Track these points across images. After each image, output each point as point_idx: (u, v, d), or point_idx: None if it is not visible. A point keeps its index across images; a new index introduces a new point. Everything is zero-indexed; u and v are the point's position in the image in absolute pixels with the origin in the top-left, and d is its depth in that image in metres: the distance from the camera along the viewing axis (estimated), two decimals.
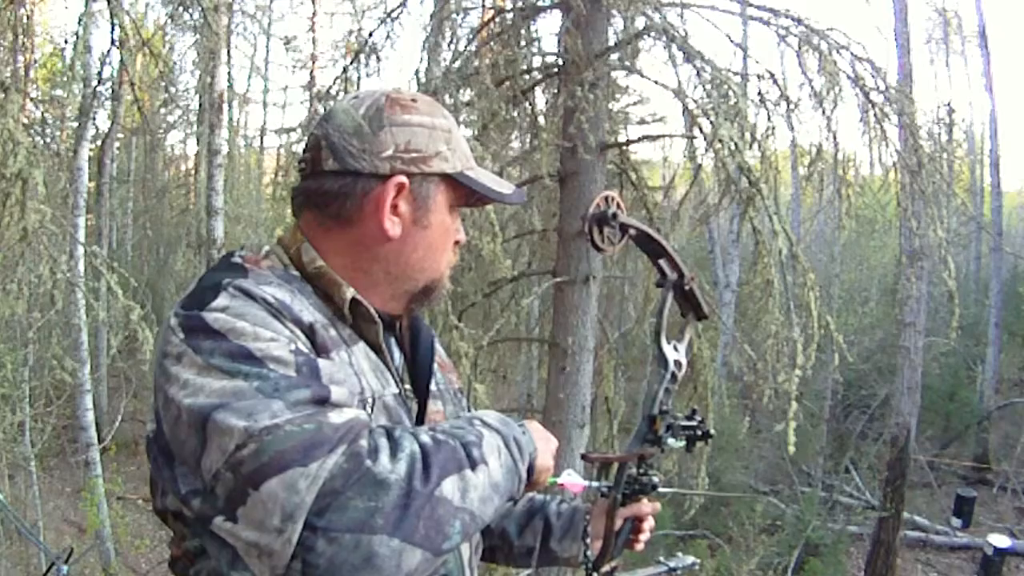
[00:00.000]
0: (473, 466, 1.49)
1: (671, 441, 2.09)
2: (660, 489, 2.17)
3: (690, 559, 2.37)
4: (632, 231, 2.07)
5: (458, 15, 8.00)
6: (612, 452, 2.18)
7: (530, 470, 1.69)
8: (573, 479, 2.10)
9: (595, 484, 2.12)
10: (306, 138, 1.86)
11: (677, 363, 2.11)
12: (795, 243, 7.18)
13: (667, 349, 2.11)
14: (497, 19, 8.43)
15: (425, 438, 1.49)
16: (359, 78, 8.19)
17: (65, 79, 16.82)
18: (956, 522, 17.75)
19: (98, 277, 8.65)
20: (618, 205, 2.00)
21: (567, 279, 7.21)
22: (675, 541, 15.68)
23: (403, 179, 1.71)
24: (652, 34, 6.95)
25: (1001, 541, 15.95)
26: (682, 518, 12.46)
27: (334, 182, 1.72)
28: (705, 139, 6.98)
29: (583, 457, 2.24)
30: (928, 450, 20.49)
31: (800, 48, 7.12)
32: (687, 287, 2.14)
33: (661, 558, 2.38)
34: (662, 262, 2.14)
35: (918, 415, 16.96)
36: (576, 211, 7.18)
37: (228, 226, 15.45)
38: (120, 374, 18.93)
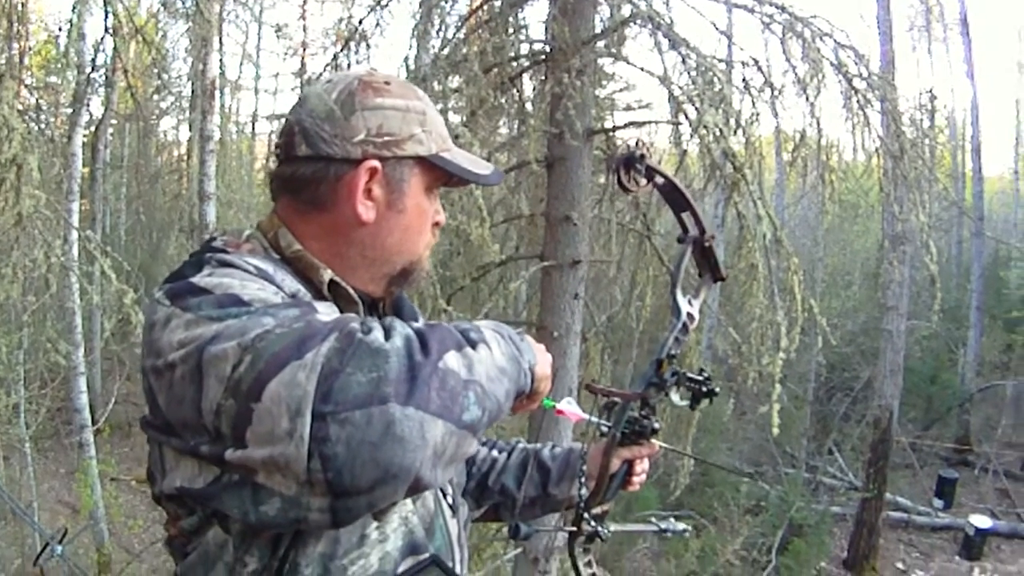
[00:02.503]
0: (473, 345, 1.46)
1: (675, 398, 2.08)
2: (657, 442, 2.17)
3: (681, 526, 2.36)
4: (658, 178, 2.06)
5: (447, 3, 7.96)
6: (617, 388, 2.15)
7: (531, 376, 1.66)
8: (572, 408, 2.11)
9: (594, 419, 2.12)
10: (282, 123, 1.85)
11: (689, 315, 2.11)
12: (779, 228, 7.18)
13: (681, 301, 2.10)
14: (485, 7, 8.42)
15: (418, 325, 1.46)
16: (349, 65, 8.14)
17: (59, 66, 16.87)
18: (938, 503, 17.92)
19: (92, 261, 8.68)
20: (647, 150, 2.00)
21: (554, 263, 7.21)
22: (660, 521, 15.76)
23: (376, 163, 1.70)
24: (638, 21, 6.94)
25: (982, 521, 16.11)
26: (668, 499, 12.50)
27: (307, 168, 1.71)
28: (690, 125, 6.98)
29: (587, 387, 2.21)
30: (910, 432, 20.58)
31: (784, 35, 7.11)
32: (707, 244, 2.13)
33: (653, 519, 2.38)
34: (684, 216, 2.13)
35: (900, 397, 17.09)
36: (564, 196, 7.20)
37: (220, 211, 15.46)
38: (114, 357, 18.96)
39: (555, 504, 2.37)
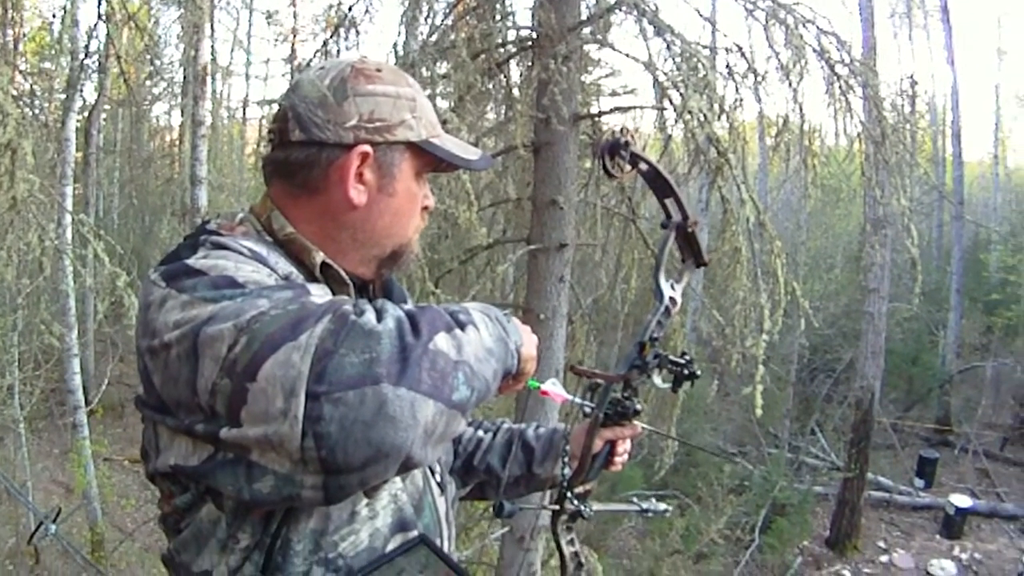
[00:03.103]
0: (462, 327, 1.46)
1: (657, 381, 2.09)
2: (639, 424, 2.19)
3: (663, 506, 2.37)
4: (643, 165, 2.06)
5: None
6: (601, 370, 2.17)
7: (518, 357, 1.67)
8: (556, 389, 2.13)
9: (578, 400, 2.14)
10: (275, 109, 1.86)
11: (672, 299, 2.11)
12: (762, 211, 7.19)
13: (664, 285, 2.11)
14: None
15: (408, 307, 1.46)
16: (339, 51, 8.12)
17: (53, 52, 16.78)
18: (919, 482, 18.02)
19: (85, 244, 8.66)
20: (632, 137, 2.01)
21: (541, 246, 7.21)
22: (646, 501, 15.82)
23: (367, 148, 1.72)
24: (623, 8, 6.94)
25: (962, 501, 16.22)
26: (652, 479, 12.54)
27: (300, 152, 1.73)
28: (675, 110, 6.98)
29: (571, 369, 2.24)
30: (891, 413, 20.70)
31: (767, 22, 7.10)
32: (690, 230, 2.13)
33: (634, 498, 2.40)
34: (668, 202, 2.13)
35: (882, 379, 17.16)
36: (550, 180, 7.19)
37: (211, 195, 15.44)
38: (106, 339, 18.98)
39: (539, 483, 2.39)
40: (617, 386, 2.13)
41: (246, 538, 1.56)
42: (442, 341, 1.38)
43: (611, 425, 2.16)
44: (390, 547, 1.72)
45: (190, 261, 1.52)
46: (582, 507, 2.14)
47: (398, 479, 1.78)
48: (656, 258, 2.14)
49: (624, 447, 2.26)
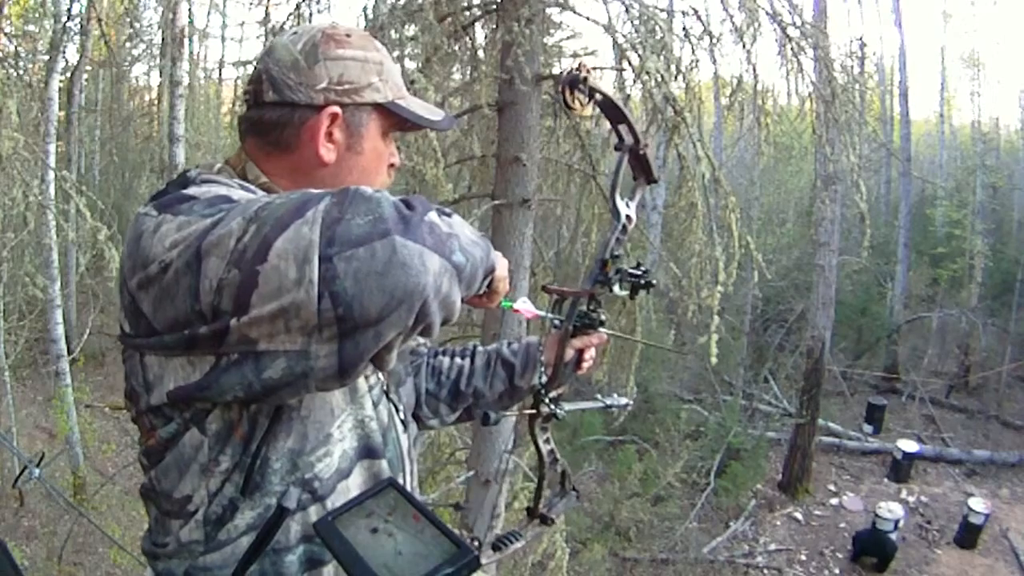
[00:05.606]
0: (448, 216, 1.44)
1: (616, 289, 2.17)
2: (603, 330, 2.27)
3: (624, 399, 2.46)
4: (599, 96, 2.10)
5: None
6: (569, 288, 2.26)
7: (491, 277, 1.66)
8: (527, 306, 2.25)
9: (549, 315, 2.24)
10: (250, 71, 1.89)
11: (628, 217, 2.15)
12: (717, 168, 7.20)
13: (620, 204, 2.15)
14: None
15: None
16: (311, 15, 8.08)
17: (37, 15, 16.67)
18: (868, 428, 18.19)
19: (67, 200, 8.68)
20: (588, 72, 2.05)
21: (505, 202, 7.20)
22: (605, 447, 15.93)
23: (337, 109, 1.76)
24: None
25: (909, 446, 16.42)
26: (612, 424, 12.58)
27: (274, 112, 1.76)
28: (633, 71, 6.98)
29: (544, 288, 2.34)
30: (841, 361, 20.89)
31: None
32: (641, 152, 2.17)
33: (598, 395, 2.47)
34: (621, 127, 2.17)
35: (832, 328, 17.25)
36: (514, 138, 7.16)
37: (189, 152, 15.43)
38: (88, 290, 18.87)
39: (521, 395, 2.45)
40: (583, 300, 2.20)
41: (227, 460, 1.59)
42: (434, 216, 1.38)
43: (579, 335, 2.24)
44: (356, 471, 1.77)
45: (184, 191, 1.54)
46: (556, 409, 2.22)
47: (367, 406, 1.83)
48: (612, 179, 2.20)
49: (590, 353, 2.34)
